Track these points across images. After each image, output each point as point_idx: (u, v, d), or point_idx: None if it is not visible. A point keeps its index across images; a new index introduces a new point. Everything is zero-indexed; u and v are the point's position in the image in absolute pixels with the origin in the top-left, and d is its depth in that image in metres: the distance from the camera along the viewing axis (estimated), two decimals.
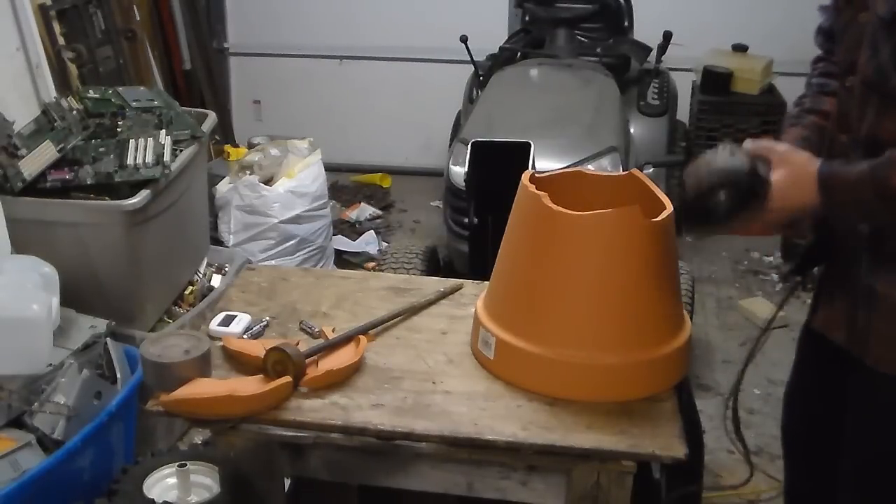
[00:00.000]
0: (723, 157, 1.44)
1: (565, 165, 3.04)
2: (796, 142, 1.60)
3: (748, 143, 1.50)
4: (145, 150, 2.67)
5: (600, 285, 1.53)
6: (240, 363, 1.68)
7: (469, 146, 2.90)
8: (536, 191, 1.57)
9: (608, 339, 1.55)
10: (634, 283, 1.53)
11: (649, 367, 1.57)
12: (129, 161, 2.64)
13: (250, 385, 1.58)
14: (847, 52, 1.54)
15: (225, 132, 4.69)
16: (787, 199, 1.45)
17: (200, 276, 3.18)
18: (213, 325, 1.80)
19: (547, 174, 1.70)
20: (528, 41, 4.25)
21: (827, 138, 1.62)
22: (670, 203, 1.55)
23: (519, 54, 4.07)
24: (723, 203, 1.42)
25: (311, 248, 3.70)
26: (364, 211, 4.55)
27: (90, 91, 2.93)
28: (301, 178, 3.63)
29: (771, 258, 4.16)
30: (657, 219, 1.51)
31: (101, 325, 2.53)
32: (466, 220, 2.99)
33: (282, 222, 3.57)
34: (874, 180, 1.37)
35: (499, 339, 1.61)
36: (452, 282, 1.99)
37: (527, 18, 4.38)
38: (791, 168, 1.45)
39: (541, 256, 1.56)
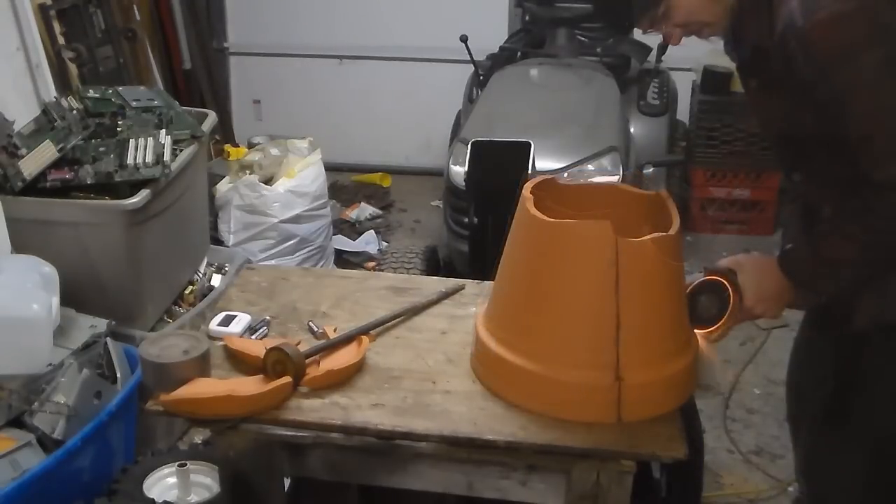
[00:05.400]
0: (696, 275, 1.70)
1: (565, 165, 3.04)
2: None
3: (721, 262, 1.70)
4: (145, 149, 2.67)
5: (591, 303, 1.49)
6: (240, 363, 1.68)
7: (469, 146, 2.90)
8: (529, 194, 1.57)
9: (603, 358, 1.50)
10: (630, 302, 1.48)
11: (651, 389, 1.53)
12: (129, 161, 2.63)
13: (250, 385, 1.58)
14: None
15: (225, 132, 4.69)
16: (763, 290, 1.63)
17: (200, 275, 3.18)
18: (213, 324, 1.81)
19: (576, 183, 1.70)
20: (528, 41, 4.25)
21: None
22: (675, 227, 1.54)
23: (519, 54, 4.07)
24: (706, 305, 1.65)
25: (310, 248, 3.70)
26: (364, 211, 4.55)
27: (90, 91, 2.93)
28: (301, 178, 3.63)
29: None
30: (641, 238, 1.48)
31: (101, 324, 2.53)
32: (466, 219, 2.99)
33: (282, 222, 3.57)
34: (815, 258, 1.59)
35: (499, 358, 1.58)
36: (453, 282, 1.99)
37: (527, 18, 4.38)
38: (755, 266, 1.65)
39: (532, 267, 1.55)
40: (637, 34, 4.23)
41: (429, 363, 1.69)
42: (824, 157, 1.61)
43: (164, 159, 2.67)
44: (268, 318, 1.83)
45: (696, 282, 1.67)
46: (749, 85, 1.71)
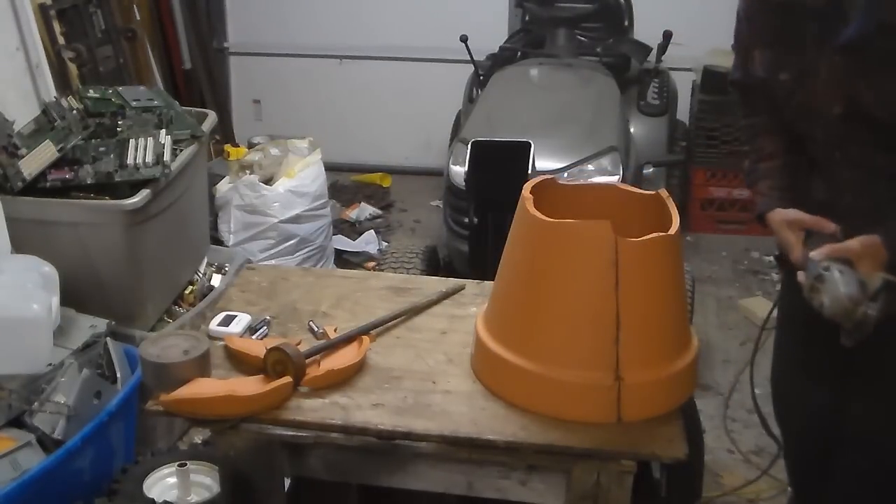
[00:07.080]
0: (849, 284, 1.52)
1: (565, 165, 3.04)
2: (775, 192, 1.74)
3: (823, 250, 1.56)
4: (145, 149, 2.67)
5: (591, 303, 1.49)
6: (240, 363, 1.68)
7: (469, 146, 2.90)
8: (528, 194, 1.56)
9: (603, 358, 1.49)
10: (630, 302, 1.48)
11: (651, 389, 1.52)
12: (129, 161, 2.63)
13: (250, 385, 1.58)
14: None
15: (225, 132, 4.69)
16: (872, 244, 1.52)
17: (200, 275, 3.18)
18: (213, 324, 1.80)
19: (576, 183, 1.69)
20: (528, 41, 4.26)
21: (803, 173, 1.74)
22: (675, 227, 1.53)
23: (519, 54, 4.07)
24: (873, 315, 1.51)
25: (311, 248, 3.70)
26: (364, 211, 4.55)
27: (90, 91, 2.93)
28: (301, 178, 3.63)
29: (770, 258, 4.16)
30: (641, 238, 1.47)
31: (101, 324, 2.53)
32: (466, 219, 2.99)
33: (282, 222, 3.57)
34: None
35: (499, 358, 1.58)
36: (453, 282, 1.99)
37: (527, 18, 4.38)
38: (875, 254, 1.53)
39: (532, 267, 1.54)
40: (637, 34, 4.26)
41: (429, 363, 1.69)
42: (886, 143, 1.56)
43: (164, 159, 2.67)
44: (268, 318, 1.83)
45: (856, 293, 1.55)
46: (824, 59, 1.59)
